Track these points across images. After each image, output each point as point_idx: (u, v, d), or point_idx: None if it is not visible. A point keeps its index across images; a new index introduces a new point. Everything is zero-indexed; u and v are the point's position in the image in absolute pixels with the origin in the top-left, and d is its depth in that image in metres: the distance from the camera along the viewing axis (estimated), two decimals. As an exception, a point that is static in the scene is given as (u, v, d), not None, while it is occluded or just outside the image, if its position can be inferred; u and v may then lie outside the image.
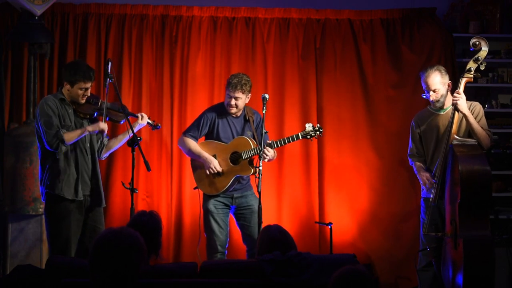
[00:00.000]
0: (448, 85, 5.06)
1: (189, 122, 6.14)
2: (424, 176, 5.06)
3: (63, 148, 4.82)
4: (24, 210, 5.72)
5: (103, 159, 5.23)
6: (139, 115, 5.11)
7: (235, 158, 5.28)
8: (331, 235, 5.77)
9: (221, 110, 5.36)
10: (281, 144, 5.24)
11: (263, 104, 5.16)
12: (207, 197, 5.35)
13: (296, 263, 3.46)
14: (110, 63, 4.91)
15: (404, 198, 6.22)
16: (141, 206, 5.90)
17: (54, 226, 4.88)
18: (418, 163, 5.19)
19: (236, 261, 4.83)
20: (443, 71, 5.06)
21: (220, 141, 5.32)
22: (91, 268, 2.56)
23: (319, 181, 6.26)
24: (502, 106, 6.33)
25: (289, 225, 5.91)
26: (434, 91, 5.03)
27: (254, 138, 5.26)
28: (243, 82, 5.21)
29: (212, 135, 5.37)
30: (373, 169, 6.28)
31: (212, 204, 5.32)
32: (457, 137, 4.86)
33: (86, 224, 4.98)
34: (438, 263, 5.05)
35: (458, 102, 4.86)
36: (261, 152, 5.04)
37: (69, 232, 4.85)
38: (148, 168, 4.82)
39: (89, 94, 4.94)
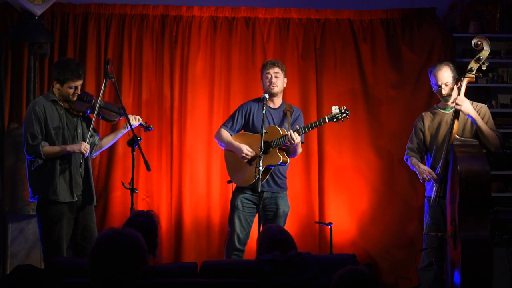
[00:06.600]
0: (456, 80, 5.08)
1: (189, 122, 6.16)
2: (424, 169, 5.05)
3: (39, 160, 4.83)
4: (24, 210, 5.72)
5: (93, 157, 5.22)
6: (131, 116, 5.04)
7: (266, 148, 5.21)
8: (331, 235, 5.77)
9: (259, 102, 5.36)
10: (308, 130, 5.20)
11: (263, 104, 5.16)
12: (236, 193, 5.35)
13: (296, 263, 3.46)
14: (110, 63, 4.90)
15: (404, 198, 6.22)
16: (141, 206, 5.90)
17: (47, 227, 4.88)
18: (414, 159, 5.19)
19: (236, 261, 4.85)
20: (452, 66, 5.11)
21: (256, 132, 5.29)
22: (91, 267, 2.56)
23: (319, 181, 6.26)
24: (502, 106, 6.32)
25: (289, 225, 5.89)
26: (446, 84, 5.04)
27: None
28: (278, 61, 5.38)
29: (248, 127, 5.38)
30: (373, 169, 6.28)
31: (239, 201, 5.31)
32: (458, 137, 4.85)
33: (77, 223, 4.97)
34: (439, 263, 5.05)
35: (462, 108, 4.87)
36: (261, 152, 5.03)
37: (61, 233, 4.86)
38: (148, 168, 4.82)
39: (79, 92, 4.93)
